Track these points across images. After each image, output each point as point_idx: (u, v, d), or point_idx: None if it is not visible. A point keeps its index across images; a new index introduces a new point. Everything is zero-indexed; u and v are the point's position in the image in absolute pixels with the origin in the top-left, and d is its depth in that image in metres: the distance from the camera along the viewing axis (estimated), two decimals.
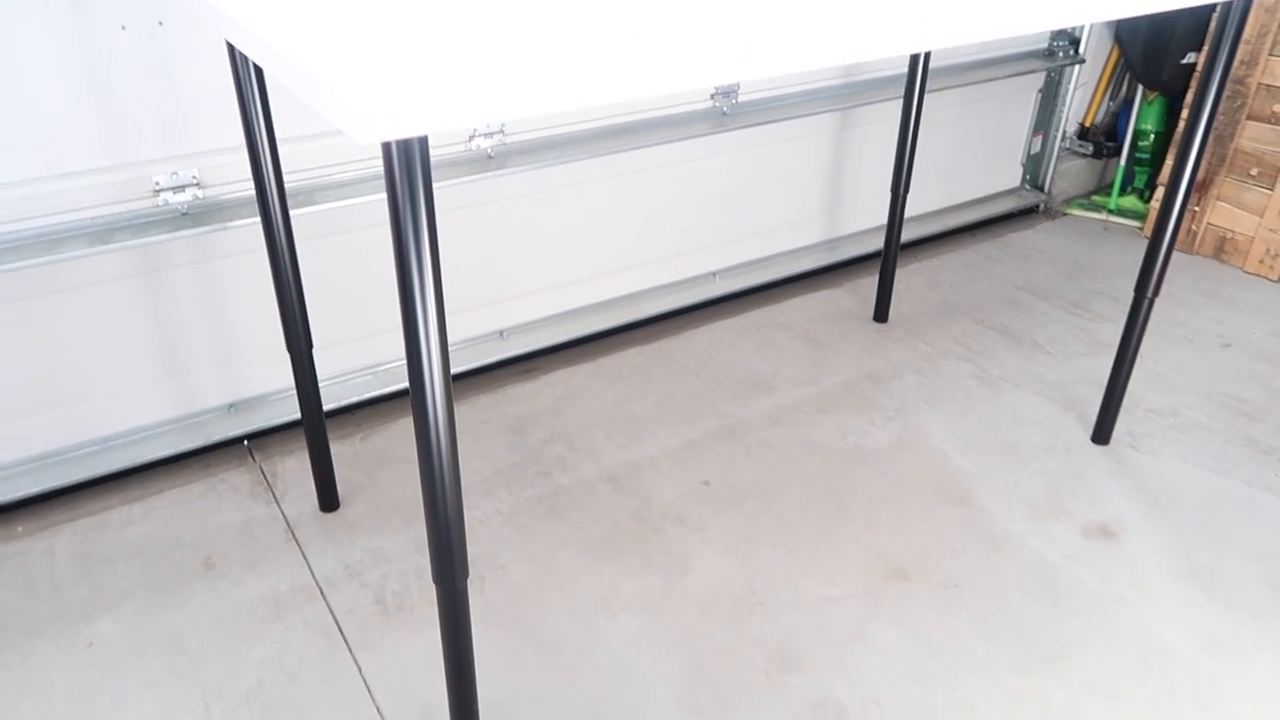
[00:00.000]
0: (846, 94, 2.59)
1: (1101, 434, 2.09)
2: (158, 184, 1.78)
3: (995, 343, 2.47)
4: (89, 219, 1.74)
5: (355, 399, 2.13)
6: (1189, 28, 2.91)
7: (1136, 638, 1.62)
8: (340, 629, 1.62)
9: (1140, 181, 3.24)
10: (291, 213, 1.87)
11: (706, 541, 1.81)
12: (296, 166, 1.91)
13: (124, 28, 1.65)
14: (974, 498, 1.94)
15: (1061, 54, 3.00)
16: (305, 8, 1.18)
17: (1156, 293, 1.89)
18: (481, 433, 2.11)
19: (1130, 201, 3.23)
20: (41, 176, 1.68)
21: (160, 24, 1.67)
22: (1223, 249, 2.91)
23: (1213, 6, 2.52)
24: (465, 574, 1.20)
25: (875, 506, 1.91)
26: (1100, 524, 1.87)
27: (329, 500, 1.88)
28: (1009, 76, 2.86)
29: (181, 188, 1.79)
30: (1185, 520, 1.88)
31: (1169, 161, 3.05)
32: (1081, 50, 3.01)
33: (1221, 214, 2.89)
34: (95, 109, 1.68)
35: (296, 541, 1.80)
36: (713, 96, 2.38)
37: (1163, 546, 1.82)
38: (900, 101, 2.69)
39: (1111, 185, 3.29)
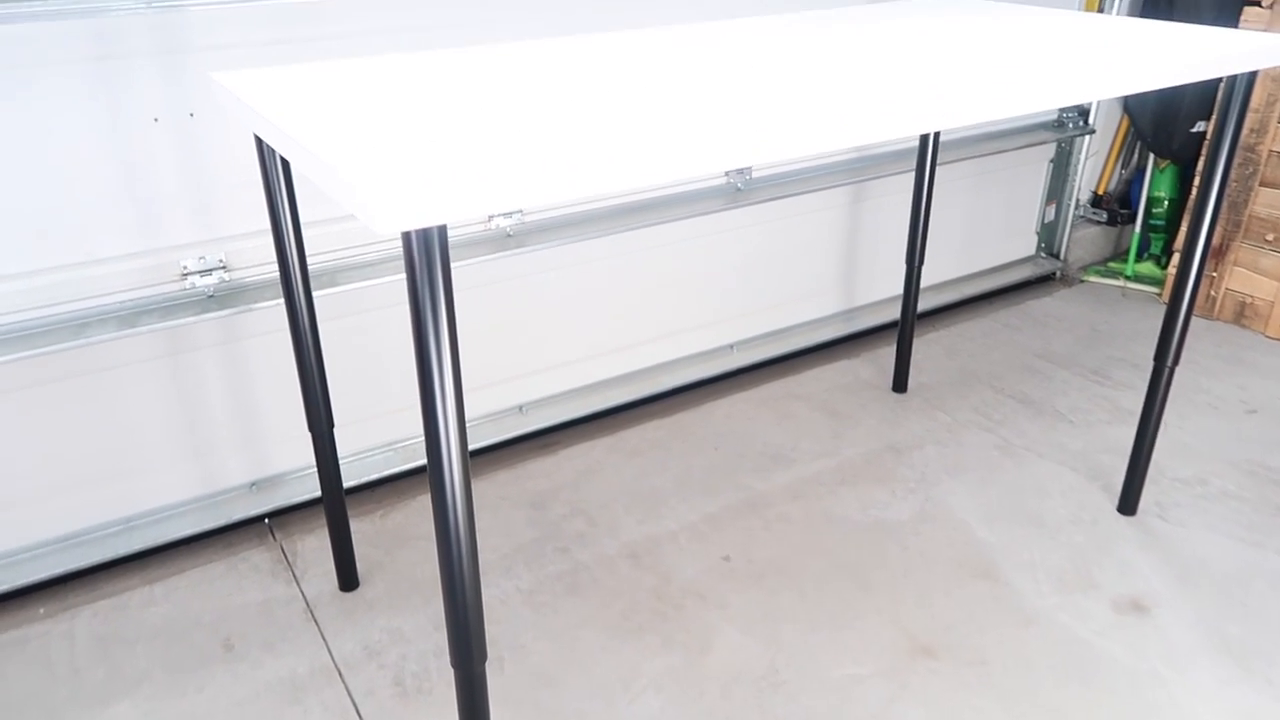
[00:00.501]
0: (859, 168, 2.63)
1: (1128, 504, 2.06)
2: (185, 268, 1.82)
3: (1016, 412, 2.46)
4: (118, 303, 1.78)
5: (376, 475, 2.14)
6: (1197, 97, 2.94)
7: (1173, 718, 1.57)
8: (359, 712, 1.60)
9: (1156, 248, 3.25)
10: (315, 294, 1.90)
11: (728, 619, 1.79)
12: (320, 249, 1.95)
13: (156, 119, 1.71)
14: (1000, 571, 1.90)
15: (1071, 125, 3.03)
16: (329, 101, 1.23)
17: (1176, 361, 1.88)
18: (501, 508, 2.11)
19: (1147, 268, 3.23)
20: (74, 263, 1.73)
21: (191, 115, 1.74)
22: (1243, 314, 2.90)
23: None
24: (483, 657, 1.19)
25: (899, 581, 1.88)
26: (1131, 598, 1.83)
27: (348, 579, 1.87)
28: (1020, 148, 2.89)
29: (208, 271, 1.84)
30: (1218, 593, 1.84)
31: (1184, 228, 3.06)
32: (1091, 121, 3.05)
33: (1240, 279, 2.89)
34: (127, 197, 1.73)
35: (315, 622, 1.79)
36: (727, 173, 2.42)
37: (1195, 621, 1.77)
38: (913, 174, 2.73)
39: (1127, 252, 3.30)
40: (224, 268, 1.86)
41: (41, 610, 1.82)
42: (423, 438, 2.22)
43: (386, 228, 0.86)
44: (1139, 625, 1.77)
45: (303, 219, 1.92)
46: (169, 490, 1.97)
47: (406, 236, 0.94)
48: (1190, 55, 1.48)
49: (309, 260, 1.95)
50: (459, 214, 0.90)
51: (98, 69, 1.64)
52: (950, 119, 1.24)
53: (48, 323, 1.72)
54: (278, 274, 1.87)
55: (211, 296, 1.85)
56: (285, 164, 1.45)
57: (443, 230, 0.95)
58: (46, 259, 1.70)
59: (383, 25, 1.86)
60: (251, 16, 1.73)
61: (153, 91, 1.69)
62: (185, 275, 1.83)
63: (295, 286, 1.55)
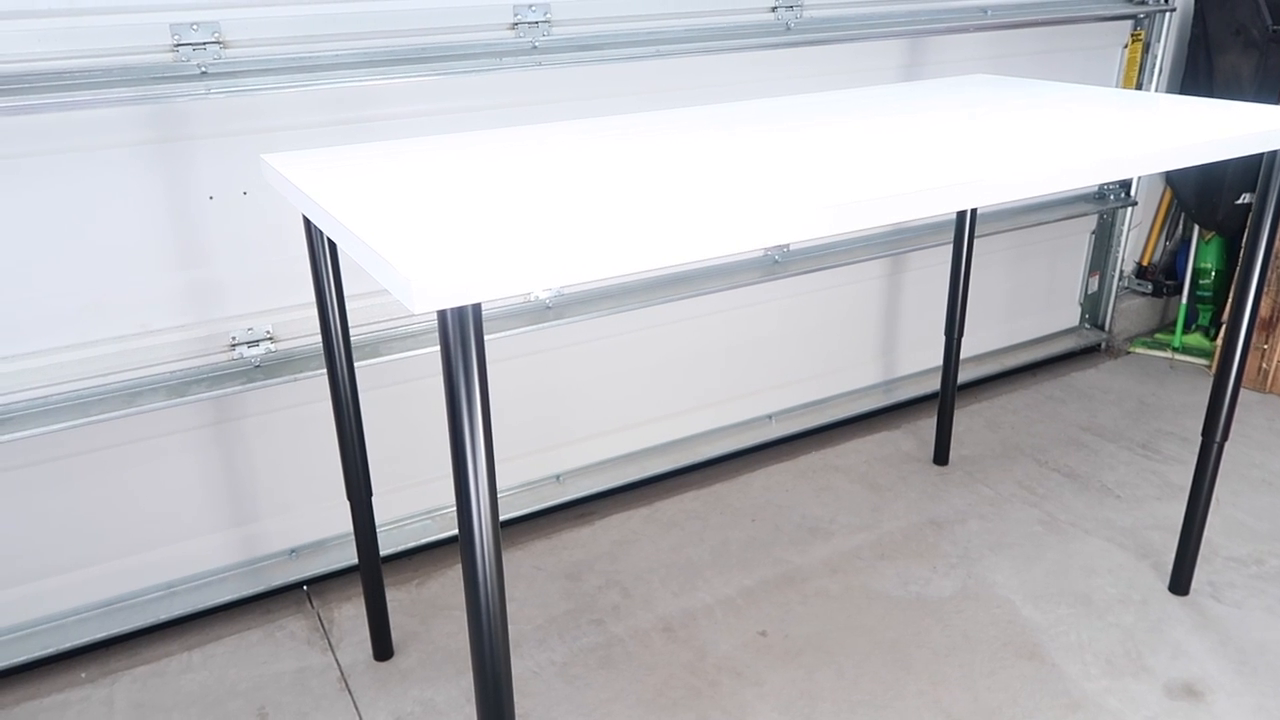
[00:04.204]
0: (898, 239, 2.64)
1: (1179, 584, 2.00)
2: (234, 339, 1.88)
3: (1061, 486, 2.41)
4: (168, 372, 1.84)
5: (413, 544, 2.15)
6: (1241, 169, 2.92)
7: None
8: None
9: (1204, 319, 3.20)
10: (357, 364, 1.95)
11: (763, 696, 1.75)
12: (364, 320, 2.00)
13: (211, 197, 1.78)
14: (1046, 652, 1.85)
15: (1113, 197, 3.02)
16: (372, 182, 1.28)
17: (1225, 437, 1.84)
18: (536, 579, 2.10)
19: (1195, 339, 3.18)
20: (129, 334, 1.79)
21: (244, 194, 1.81)
22: None
23: None
24: None
25: (941, 661, 1.83)
26: (1185, 683, 1.77)
27: (383, 649, 1.87)
28: (1060, 220, 2.89)
29: (256, 342, 1.89)
30: (1277, 679, 1.76)
31: (1231, 300, 3.01)
32: (1133, 193, 3.04)
33: None
34: (181, 271, 1.80)
35: (349, 692, 1.79)
36: (765, 247, 2.44)
37: (1255, 709, 1.70)
38: (951, 245, 2.73)
39: (1174, 323, 3.25)
40: (271, 339, 1.91)
41: (83, 674, 1.85)
42: None
43: (421, 306, 0.89)
44: (1193, 712, 1.70)
45: (349, 291, 1.97)
46: (210, 556, 2.00)
47: (441, 314, 0.97)
48: (1230, 131, 1.48)
49: (353, 332, 2.00)
50: (491, 293, 0.92)
51: (157, 150, 1.72)
52: (991, 196, 1.25)
53: (101, 391, 1.78)
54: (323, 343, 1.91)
55: (258, 366, 1.90)
56: (331, 242, 1.50)
57: (477, 308, 0.97)
58: (102, 330, 1.77)
59: (429, 108, 1.93)
60: (306, 100, 1.81)
61: (209, 171, 1.77)
62: (234, 346, 1.88)
63: (338, 358, 1.59)
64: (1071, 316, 3.20)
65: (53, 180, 1.66)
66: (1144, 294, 3.26)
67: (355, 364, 1.92)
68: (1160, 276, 3.27)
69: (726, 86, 2.27)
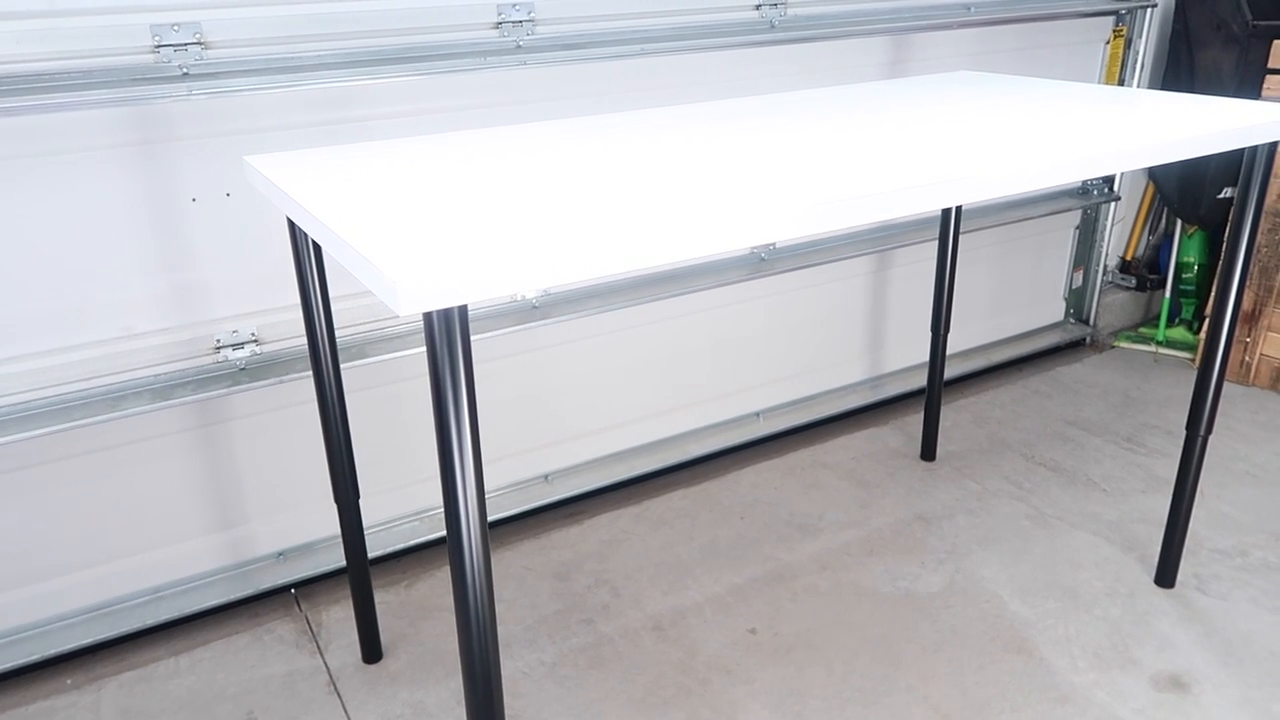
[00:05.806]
0: (883, 236, 2.64)
1: (1165, 576, 2.01)
2: (219, 341, 1.87)
3: (1048, 480, 2.42)
4: (152, 376, 1.82)
5: (401, 545, 2.15)
6: (1223, 164, 2.94)
7: None
8: None
9: (1188, 313, 3.22)
10: (343, 366, 1.94)
11: (754, 694, 1.76)
12: (350, 321, 1.99)
13: (194, 200, 1.77)
14: (1034, 646, 1.86)
15: (1096, 192, 3.04)
16: (357, 183, 1.27)
17: (1209, 430, 1.85)
18: (526, 579, 2.10)
19: (1179, 333, 3.20)
20: (112, 338, 1.78)
21: (228, 195, 1.80)
22: (1279, 380, 2.85)
23: None
24: None
25: (930, 656, 1.84)
26: (1171, 675, 1.78)
27: (372, 651, 1.87)
28: (1045, 215, 2.90)
29: (241, 344, 1.88)
30: (1262, 670, 1.78)
31: (1214, 293, 3.03)
32: (1116, 188, 3.06)
33: (1275, 345, 2.84)
34: (164, 274, 1.79)
35: (338, 694, 1.78)
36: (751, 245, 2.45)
37: (1240, 699, 1.71)
38: (937, 241, 2.74)
39: (1158, 317, 3.27)
40: (256, 341, 1.90)
41: (69, 681, 1.83)
42: None
43: (407, 309, 0.88)
44: (1180, 704, 1.71)
45: (335, 293, 1.96)
46: (197, 560, 1.99)
47: (428, 316, 0.97)
48: (1211, 126, 1.49)
49: (339, 333, 1.99)
50: (477, 295, 0.92)
51: (139, 152, 1.70)
52: (975, 193, 1.25)
53: (85, 396, 1.77)
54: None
55: (243, 369, 1.89)
56: (315, 244, 1.49)
57: (463, 310, 0.97)
58: (85, 334, 1.75)
59: (413, 108, 1.93)
60: (290, 101, 1.80)
61: (191, 173, 1.76)
62: (218, 348, 1.87)
63: (324, 360, 1.58)
64: (1056, 311, 3.22)
65: (33, 183, 1.64)
66: (1128, 288, 3.28)
67: (341, 365, 1.91)
68: (1144, 271, 3.29)
69: (711, 85, 2.27)
